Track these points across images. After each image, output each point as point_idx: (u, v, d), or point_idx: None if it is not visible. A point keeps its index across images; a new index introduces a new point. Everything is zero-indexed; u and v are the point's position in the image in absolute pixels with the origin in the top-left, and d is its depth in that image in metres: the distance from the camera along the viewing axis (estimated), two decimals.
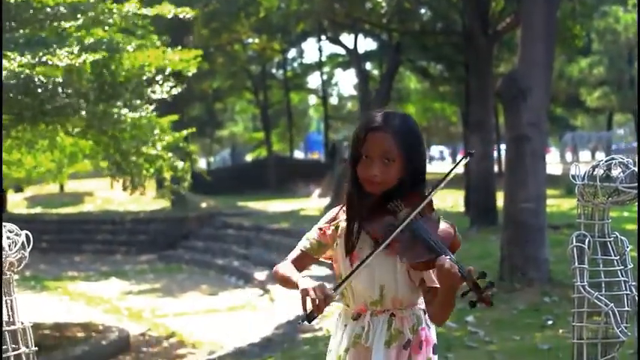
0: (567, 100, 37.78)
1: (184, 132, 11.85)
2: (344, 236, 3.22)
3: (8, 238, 3.23)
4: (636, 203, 3.77)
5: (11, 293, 3.28)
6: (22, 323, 3.30)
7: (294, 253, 3.32)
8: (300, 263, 3.27)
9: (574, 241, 3.82)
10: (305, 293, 2.95)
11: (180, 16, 10.44)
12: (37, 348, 3.33)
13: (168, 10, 10.21)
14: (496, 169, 25.12)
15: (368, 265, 3.08)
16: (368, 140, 3.13)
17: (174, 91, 10.85)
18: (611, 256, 3.83)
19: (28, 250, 3.26)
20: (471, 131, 18.75)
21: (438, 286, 3.01)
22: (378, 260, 3.09)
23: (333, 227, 3.28)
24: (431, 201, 3.15)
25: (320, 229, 3.30)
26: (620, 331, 3.68)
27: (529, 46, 10.89)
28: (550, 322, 9.04)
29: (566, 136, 34.89)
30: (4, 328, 3.22)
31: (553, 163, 28.66)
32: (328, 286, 3.00)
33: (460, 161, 3.42)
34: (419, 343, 3.18)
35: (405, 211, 3.08)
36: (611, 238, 3.86)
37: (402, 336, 3.15)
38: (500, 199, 14.72)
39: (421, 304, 3.23)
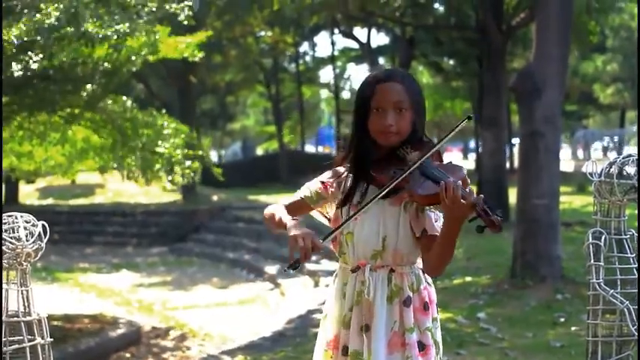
0: (580, 96, 37.67)
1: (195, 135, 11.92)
2: (348, 190, 3.21)
3: (25, 228, 3.23)
4: None
5: (27, 284, 3.28)
6: (38, 314, 3.30)
7: (292, 199, 3.30)
8: (296, 210, 3.24)
9: (590, 238, 3.81)
10: (294, 241, 2.95)
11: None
12: (52, 339, 3.33)
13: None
14: (508, 165, 25.06)
15: (372, 215, 3.11)
16: (378, 92, 3.14)
17: None
18: (627, 253, 3.81)
19: (45, 240, 3.26)
20: (483, 127, 18.71)
21: (438, 234, 3.05)
22: (381, 210, 3.12)
23: (335, 184, 3.27)
24: (439, 151, 3.15)
25: (322, 182, 3.29)
26: (635, 329, 3.66)
27: (544, 41, 10.84)
28: (562, 320, 9.01)
29: (578, 133, 34.82)
30: (20, 319, 3.22)
31: (565, 160, 28.59)
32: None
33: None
34: (423, 303, 3.17)
35: (415, 154, 3.07)
36: (627, 236, 3.85)
37: (402, 292, 3.14)
38: (512, 195, 14.70)
39: (420, 263, 3.23)
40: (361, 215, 3.13)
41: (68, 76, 9.71)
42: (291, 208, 3.24)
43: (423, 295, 3.18)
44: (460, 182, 2.91)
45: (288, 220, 3.10)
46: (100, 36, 8.71)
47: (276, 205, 3.27)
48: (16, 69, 8.40)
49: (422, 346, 3.13)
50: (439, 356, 3.23)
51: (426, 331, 3.15)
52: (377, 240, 3.14)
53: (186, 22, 9.90)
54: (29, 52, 8.48)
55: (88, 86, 9.98)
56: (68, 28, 8.49)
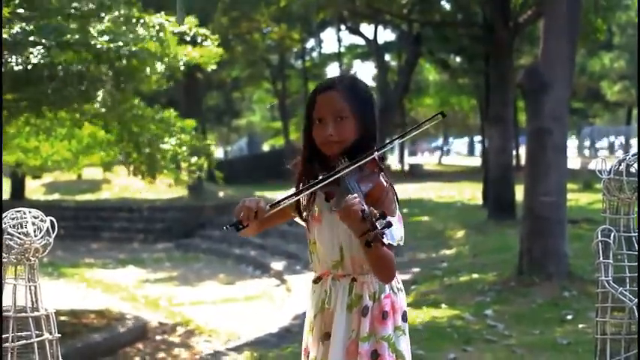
0: (587, 93, 37.61)
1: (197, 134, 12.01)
2: (304, 201, 3.22)
3: (33, 224, 3.22)
4: None
5: (35, 279, 3.28)
6: (46, 310, 3.29)
7: None
8: (278, 215, 3.20)
9: (599, 235, 3.79)
10: (241, 202, 2.98)
11: (193, 31, 10.44)
12: (60, 335, 3.33)
13: (190, 27, 10.24)
14: (514, 162, 25.01)
15: (327, 226, 3.13)
16: (318, 103, 3.12)
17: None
18: (635, 251, 3.79)
19: (53, 236, 3.26)
20: (490, 124, 18.70)
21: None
22: (335, 220, 3.04)
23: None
24: (375, 159, 3.06)
25: None
26: None
27: (552, 39, 10.81)
28: (569, 317, 8.99)
29: (585, 130, 34.75)
30: (28, 314, 3.22)
31: (571, 158, 28.59)
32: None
33: (430, 119, 3.26)
34: (381, 312, 3.11)
35: (345, 165, 3.02)
36: (636, 233, 3.83)
37: (361, 301, 3.11)
38: (518, 192, 14.67)
39: None
40: (318, 226, 3.18)
41: (79, 80, 9.75)
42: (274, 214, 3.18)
43: (383, 304, 3.12)
44: (359, 197, 2.85)
45: None
46: (105, 48, 8.76)
47: None
48: (15, 63, 8.40)
49: (376, 355, 3.08)
50: None
51: (381, 340, 3.09)
52: (335, 250, 3.15)
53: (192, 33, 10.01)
54: (30, 49, 8.49)
55: (99, 93, 9.97)
56: (76, 35, 8.54)
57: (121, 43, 8.83)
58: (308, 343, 3.26)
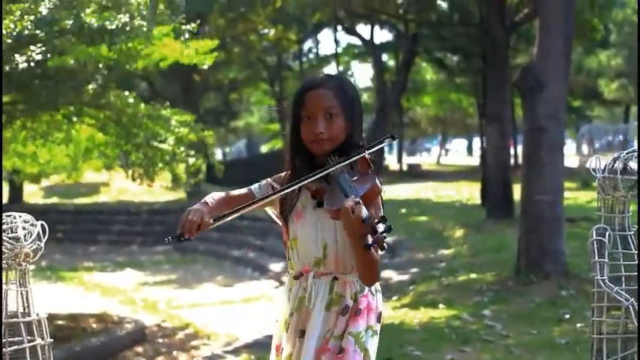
0: (585, 92, 37.58)
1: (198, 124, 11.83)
2: (287, 198, 3.16)
3: (24, 228, 3.21)
4: None
5: (26, 284, 3.26)
6: (38, 315, 3.28)
7: (240, 190, 3.24)
8: (240, 199, 3.16)
9: (594, 234, 3.77)
10: (184, 214, 2.97)
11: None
12: (52, 340, 3.31)
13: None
14: (512, 161, 25.00)
15: (309, 223, 3.09)
16: (307, 100, 3.08)
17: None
18: (631, 250, 3.77)
19: (44, 240, 3.24)
20: (487, 123, 18.69)
21: None
22: (318, 218, 3.07)
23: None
24: (367, 159, 3.04)
25: (272, 186, 3.22)
26: None
27: (547, 37, 10.80)
28: (567, 316, 8.98)
29: (583, 129, 34.69)
30: (19, 320, 3.20)
31: (569, 156, 28.58)
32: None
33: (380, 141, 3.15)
34: (356, 310, 3.08)
35: (335, 162, 2.99)
36: (632, 232, 3.81)
37: (342, 300, 3.08)
38: (516, 191, 14.66)
39: None
40: (300, 222, 3.12)
41: (72, 76, 9.70)
42: (236, 197, 3.18)
43: (360, 303, 3.09)
44: (358, 199, 2.82)
45: (206, 198, 3.10)
46: (97, 26, 8.66)
47: (219, 192, 3.24)
48: (21, 61, 8.37)
49: (340, 350, 3.05)
50: None
51: (348, 335, 3.05)
52: (317, 247, 3.10)
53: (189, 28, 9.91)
54: (31, 47, 8.45)
55: (91, 85, 9.94)
56: (67, 21, 8.48)
57: (113, 26, 8.74)
58: (282, 339, 3.20)
